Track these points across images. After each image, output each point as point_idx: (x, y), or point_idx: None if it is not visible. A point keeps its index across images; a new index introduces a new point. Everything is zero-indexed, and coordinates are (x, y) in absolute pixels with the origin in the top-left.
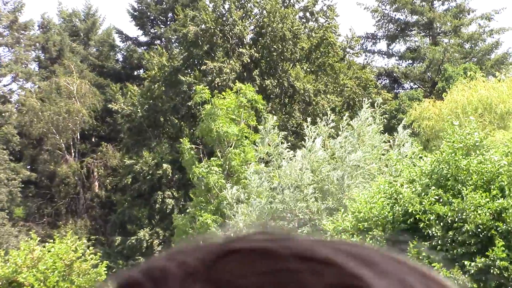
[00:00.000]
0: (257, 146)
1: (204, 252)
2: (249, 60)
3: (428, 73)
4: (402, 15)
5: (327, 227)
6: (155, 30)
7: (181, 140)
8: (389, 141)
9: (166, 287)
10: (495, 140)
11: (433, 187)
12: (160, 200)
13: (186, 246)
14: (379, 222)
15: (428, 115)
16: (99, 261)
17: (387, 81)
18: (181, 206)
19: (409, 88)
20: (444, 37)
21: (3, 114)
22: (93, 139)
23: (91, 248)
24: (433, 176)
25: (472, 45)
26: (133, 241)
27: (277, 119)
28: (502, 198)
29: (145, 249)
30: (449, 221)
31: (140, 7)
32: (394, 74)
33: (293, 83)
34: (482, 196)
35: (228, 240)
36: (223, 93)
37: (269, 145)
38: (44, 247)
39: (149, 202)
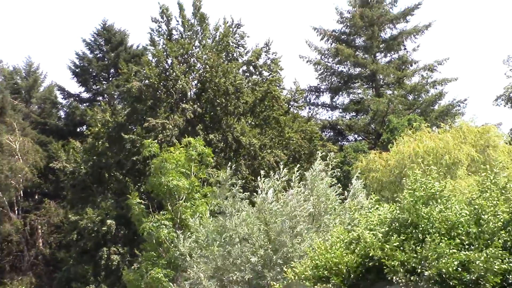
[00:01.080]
0: (209, 197)
1: None
2: (192, 116)
3: (372, 125)
4: (345, 67)
5: (289, 275)
6: (98, 86)
7: (128, 196)
8: (343, 193)
9: None
10: (453, 189)
11: (395, 235)
12: (106, 256)
13: None
14: (339, 271)
15: (374, 167)
16: None
17: (332, 133)
18: (127, 262)
19: (353, 140)
20: (388, 88)
21: None
22: (36, 196)
23: None
24: (393, 224)
25: (416, 96)
26: None
27: (223, 173)
28: (467, 247)
29: None
30: (413, 266)
31: (81, 63)
32: (338, 127)
33: (238, 138)
34: (447, 246)
35: None
36: (172, 148)
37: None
38: None
39: (94, 258)
